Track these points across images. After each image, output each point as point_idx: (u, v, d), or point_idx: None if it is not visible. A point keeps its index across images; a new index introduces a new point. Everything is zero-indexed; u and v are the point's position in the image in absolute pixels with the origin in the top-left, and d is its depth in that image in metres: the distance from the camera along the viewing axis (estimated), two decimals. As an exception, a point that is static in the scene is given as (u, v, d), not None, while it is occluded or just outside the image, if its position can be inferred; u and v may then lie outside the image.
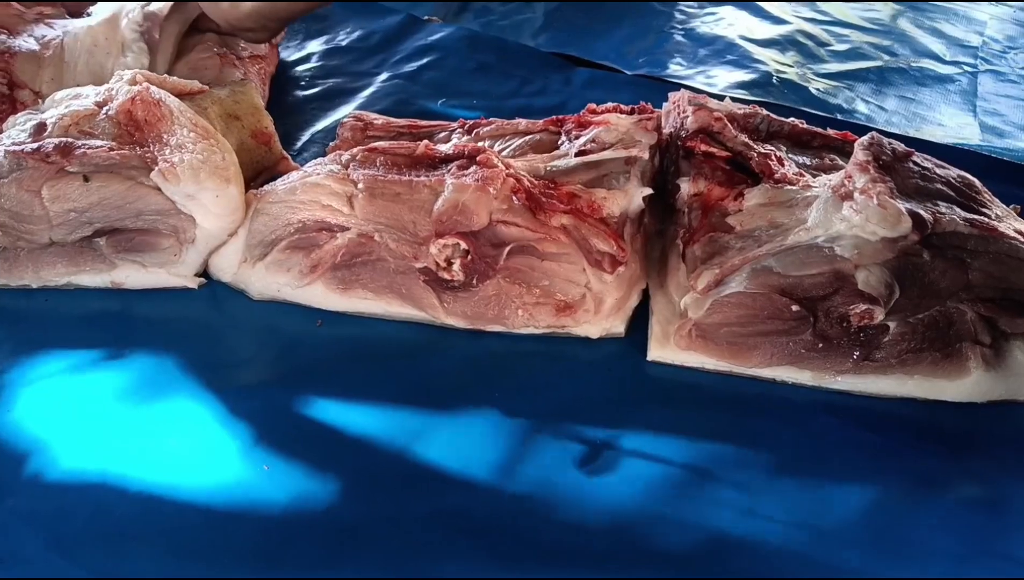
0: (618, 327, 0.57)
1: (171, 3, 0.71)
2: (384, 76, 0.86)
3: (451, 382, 0.54)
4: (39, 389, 0.52)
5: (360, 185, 0.55)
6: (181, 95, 0.64)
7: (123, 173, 0.56)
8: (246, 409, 0.51)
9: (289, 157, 0.69)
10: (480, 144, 0.63)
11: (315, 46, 0.91)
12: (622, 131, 0.59)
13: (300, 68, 0.87)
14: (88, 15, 0.74)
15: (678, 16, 1.02)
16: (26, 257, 0.58)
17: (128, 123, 0.57)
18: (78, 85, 0.63)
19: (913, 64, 0.89)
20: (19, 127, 0.58)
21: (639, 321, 0.58)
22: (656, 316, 0.57)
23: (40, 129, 0.57)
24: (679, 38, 0.96)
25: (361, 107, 0.80)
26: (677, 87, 0.83)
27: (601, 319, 0.56)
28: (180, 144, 0.56)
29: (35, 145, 0.55)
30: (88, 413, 0.50)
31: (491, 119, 0.66)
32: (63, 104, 0.59)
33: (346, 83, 0.84)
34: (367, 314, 0.58)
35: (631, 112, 0.62)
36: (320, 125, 0.78)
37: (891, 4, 1.03)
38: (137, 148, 0.56)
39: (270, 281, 0.58)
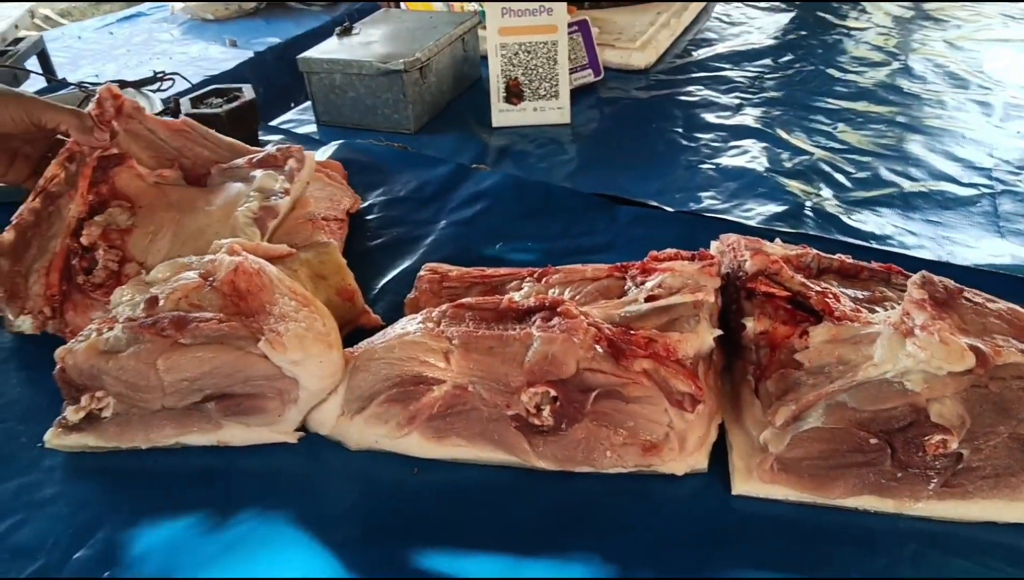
0: (701, 463, 0.60)
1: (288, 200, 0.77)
2: (442, 223, 0.92)
3: (544, 524, 0.57)
4: (150, 546, 0.55)
5: (455, 341, 0.59)
6: (272, 259, 0.70)
7: (232, 343, 0.60)
8: (349, 560, 0.54)
9: (370, 310, 0.74)
10: (552, 291, 0.68)
11: (375, 197, 0.97)
12: (687, 276, 0.64)
13: (365, 219, 0.93)
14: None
15: (704, 151, 1.10)
16: (137, 421, 0.62)
17: (232, 294, 0.61)
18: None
19: (933, 188, 0.95)
20: (127, 301, 0.63)
21: (718, 453, 0.61)
22: (736, 450, 0.60)
23: (152, 303, 0.61)
24: (709, 172, 1.03)
25: (425, 255, 0.86)
26: (717, 222, 0.89)
27: (685, 456, 0.59)
28: (283, 313, 0.61)
29: (151, 320, 0.60)
30: (197, 570, 0.53)
31: (558, 267, 0.72)
32: (170, 278, 0.64)
33: (409, 232, 0.90)
34: (461, 460, 0.61)
35: (692, 258, 0.67)
36: (391, 275, 0.83)
37: (898, 129, 1.10)
38: (243, 318, 0.60)
39: (368, 433, 0.62)
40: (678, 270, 0.65)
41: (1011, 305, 0.59)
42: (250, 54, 2.20)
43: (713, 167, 1.05)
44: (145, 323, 0.60)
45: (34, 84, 1.54)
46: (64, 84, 1.33)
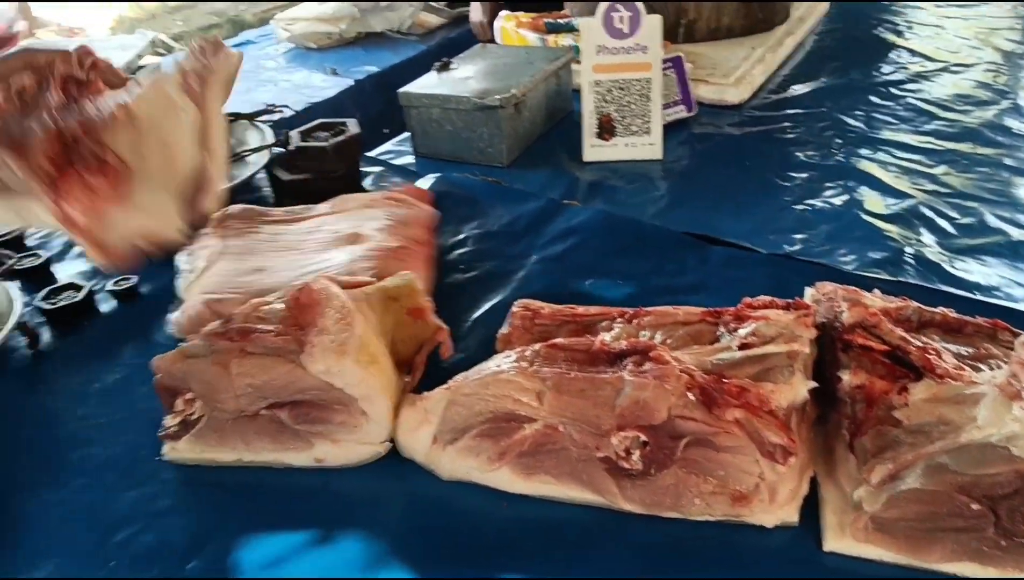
0: (792, 516, 0.59)
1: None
2: (534, 258, 0.94)
3: (630, 566, 0.57)
4: (257, 561, 0.58)
5: (548, 382, 0.61)
6: (353, 286, 0.73)
7: (285, 355, 0.64)
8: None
9: (446, 328, 0.76)
10: (643, 334, 0.69)
11: (469, 230, 1.00)
12: (782, 326, 0.64)
13: (458, 252, 0.96)
14: None
15: (798, 191, 1.08)
16: (232, 430, 0.66)
17: (294, 307, 0.66)
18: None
19: (1045, 236, 0.92)
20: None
21: (809, 507, 0.60)
22: (828, 505, 0.59)
23: (230, 317, 0.67)
24: (803, 213, 1.02)
25: (516, 290, 0.88)
26: (812, 266, 0.88)
27: (776, 508, 0.59)
28: (323, 327, 0.64)
29: (223, 329, 0.66)
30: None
31: (649, 309, 0.72)
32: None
33: (501, 266, 0.93)
34: (549, 497, 0.62)
35: (787, 307, 0.66)
36: (483, 308, 0.86)
37: (1006, 173, 1.07)
38: (296, 332, 0.64)
39: (460, 464, 0.64)
40: (772, 319, 0.65)
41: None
42: (350, 82, 2.30)
43: (807, 208, 1.04)
44: (218, 331, 0.65)
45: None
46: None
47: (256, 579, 0.57)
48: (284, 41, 2.65)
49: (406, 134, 1.34)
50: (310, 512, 0.62)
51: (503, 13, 1.71)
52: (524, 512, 0.62)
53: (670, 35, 1.62)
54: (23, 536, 0.61)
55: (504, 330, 0.75)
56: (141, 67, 1.89)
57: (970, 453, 0.54)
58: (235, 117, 1.21)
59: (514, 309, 0.75)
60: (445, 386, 0.66)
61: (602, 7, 1.16)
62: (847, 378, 0.61)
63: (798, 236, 0.97)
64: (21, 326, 0.78)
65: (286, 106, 1.27)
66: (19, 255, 0.91)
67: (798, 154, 1.20)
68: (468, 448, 0.63)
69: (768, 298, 0.68)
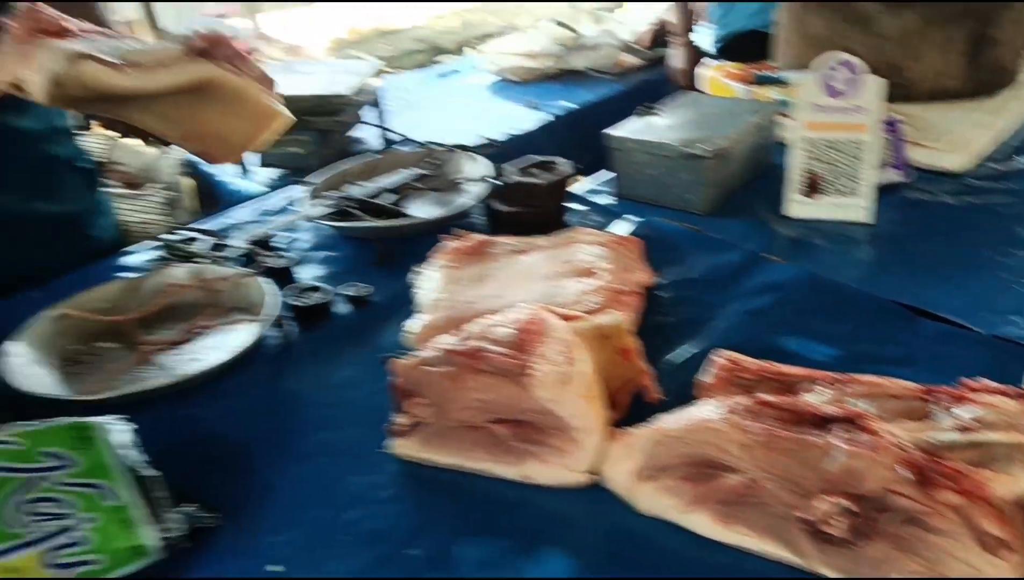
0: (1003, 613, 0.57)
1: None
2: (733, 309, 0.96)
3: (822, 631, 0.58)
4: (467, 558, 0.64)
5: (756, 436, 0.63)
6: (569, 319, 0.79)
7: (511, 377, 0.70)
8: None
9: (648, 371, 0.79)
10: (851, 402, 0.69)
11: (669, 275, 1.04)
12: (1008, 414, 0.62)
13: (658, 294, 1.00)
14: None
15: (1019, 270, 1.03)
16: (453, 437, 0.73)
17: (520, 333, 0.72)
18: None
19: None
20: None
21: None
22: (1046, 610, 0.57)
23: (463, 335, 0.74)
24: (1027, 295, 0.97)
25: (715, 339, 0.90)
26: (1035, 353, 0.84)
27: (986, 601, 0.57)
28: (549, 357, 0.70)
29: (458, 347, 0.72)
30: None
31: (857, 376, 0.72)
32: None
33: (699, 313, 0.95)
34: (743, 548, 0.64)
35: (1016, 396, 0.64)
36: (678, 354, 0.88)
37: None
38: (523, 356, 0.70)
39: (658, 502, 0.67)
40: (998, 406, 0.63)
41: None
42: (549, 117, 2.40)
43: (1039, 290, 0.98)
44: (456, 349, 0.72)
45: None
46: (406, 140, 1.56)
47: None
48: (489, 72, 2.82)
49: (604, 173, 1.39)
50: (515, 522, 0.68)
51: (711, 62, 1.73)
52: (717, 558, 0.64)
53: (887, 96, 1.58)
54: (268, 505, 0.71)
55: (705, 378, 0.77)
56: (367, 90, 2.07)
57: None
58: (458, 148, 1.31)
59: (717, 359, 0.78)
60: (651, 425, 0.69)
61: (821, 64, 1.16)
62: (1078, 478, 0.59)
63: (1019, 318, 0.92)
64: (277, 320, 0.90)
65: (501, 143, 1.35)
66: (272, 254, 1.05)
67: (1021, 231, 1.14)
68: (668, 488, 0.66)
69: (991, 383, 0.67)
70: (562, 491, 0.70)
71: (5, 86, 0.81)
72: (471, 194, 1.20)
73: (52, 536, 0.55)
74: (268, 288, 0.94)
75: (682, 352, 0.89)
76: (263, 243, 1.09)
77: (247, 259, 1.04)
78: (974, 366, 0.81)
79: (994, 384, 0.66)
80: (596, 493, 0.70)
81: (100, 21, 1.00)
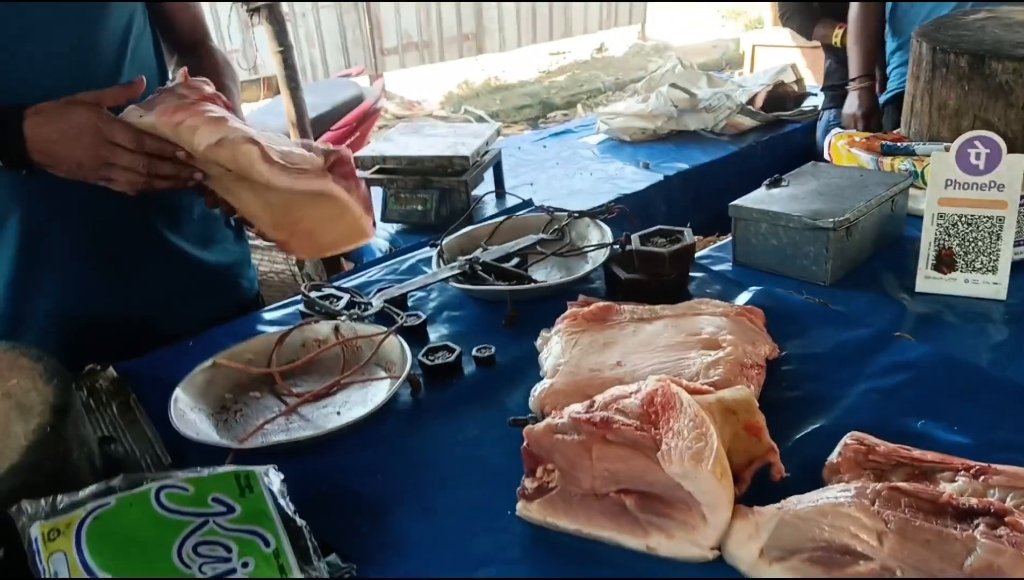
0: None
1: None
2: (861, 388, 0.94)
3: None
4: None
5: (891, 525, 0.62)
6: (695, 392, 0.80)
7: (642, 449, 0.71)
8: None
9: (776, 449, 0.79)
10: (992, 493, 0.67)
11: (792, 348, 1.03)
12: None
13: (782, 369, 0.99)
14: None
15: None
16: (578, 504, 0.75)
17: (649, 406, 0.74)
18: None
19: None
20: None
21: None
22: None
23: (591, 404, 0.77)
24: None
25: (842, 418, 0.89)
26: None
27: None
28: (679, 431, 0.71)
29: (587, 416, 0.74)
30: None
31: (999, 467, 0.70)
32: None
33: (825, 390, 0.94)
34: (874, 639, 0.63)
35: None
36: (805, 429, 0.88)
37: None
38: (652, 429, 0.72)
39: (784, 583, 0.67)
40: None
41: None
42: (660, 177, 2.43)
43: None
44: (584, 418, 0.74)
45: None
46: (527, 204, 1.62)
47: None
48: (601, 133, 2.88)
49: (724, 240, 1.40)
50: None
51: (835, 131, 1.72)
52: (846, 646, 0.63)
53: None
54: (400, 559, 0.75)
55: (834, 459, 0.77)
56: (487, 152, 2.16)
57: None
58: (580, 214, 1.36)
59: (847, 440, 0.77)
60: (777, 505, 0.69)
61: (959, 141, 1.15)
62: None
63: None
64: (409, 377, 0.95)
65: (624, 208, 1.39)
66: (405, 314, 1.11)
67: None
68: (796, 569, 0.66)
69: None
70: (685, 565, 0.71)
71: (169, 127, 0.93)
72: (593, 260, 1.23)
73: (217, 578, 0.61)
74: (403, 346, 0.99)
75: (807, 430, 0.88)
76: (399, 302, 1.16)
77: (383, 317, 1.11)
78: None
79: None
80: (720, 570, 0.70)
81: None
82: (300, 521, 0.66)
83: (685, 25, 10.04)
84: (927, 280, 1.20)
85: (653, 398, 0.75)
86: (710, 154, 2.60)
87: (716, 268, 1.34)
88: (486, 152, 2.16)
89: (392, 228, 2.12)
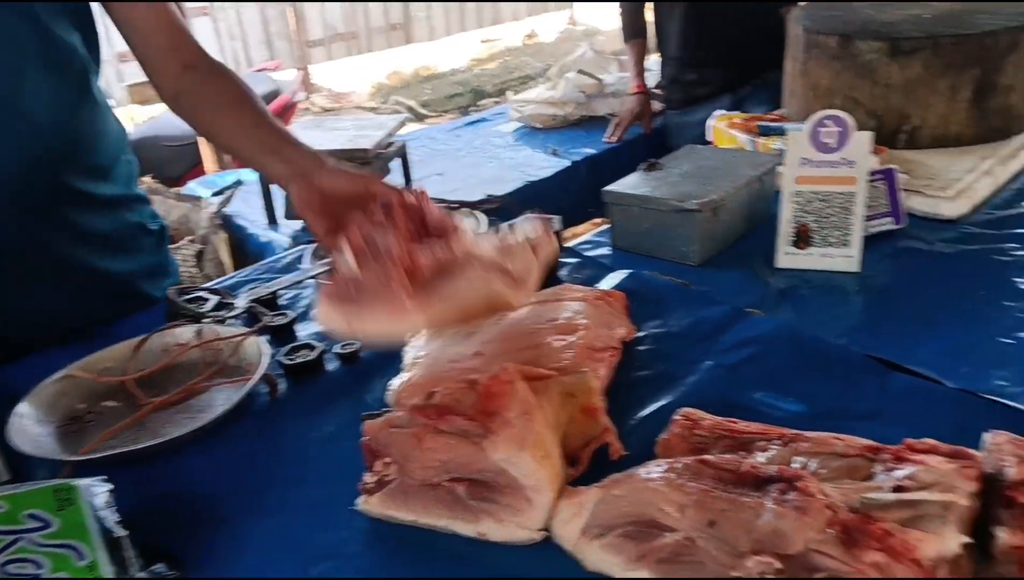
0: (929, 673, 0.58)
1: None
2: (708, 365, 0.98)
3: None
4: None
5: (692, 497, 0.65)
6: (537, 378, 0.82)
7: (471, 437, 0.73)
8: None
9: (614, 430, 0.82)
10: (798, 460, 0.71)
11: (650, 329, 1.06)
12: (941, 474, 0.64)
13: (638, 349, 1.02)
14: None
15: (1008, 321, 1.03)
16: (415, 496, 0.76)
17: (484, 395, 0.75)
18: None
19: None
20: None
21: (953, 669, 0.58)
22: (972, 670, 0.57)
23: (431, 395, 0.78)
24: (1009, 348, 0.97)
25: (686, 395, 0.92)
26: (1005, 408, 0.84)
27: (911, 662, 0.58)
28: (508, 419, 0.73)
29: (423, 406, 0.76)
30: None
31: (808, 434, 0.74)
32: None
33: (675, 369, 0.97)
34: (683, 606, 0.66)
35: (951, 455, 0.65)
36: (648, 409, 0.91)
37: None
38: (483, 418, 0.73)
39: (603, 559, 0.69)
40: (932, 465, 0.64)
41: None
42: (567, 163, 2.46)
43: (1015, 342, 0.98)
44: (419, 407, 0.76)
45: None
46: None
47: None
48: (514, 120, 2.90)
49: (604, 224, 1.43)
50: (470, 576, 0.71)
51: (716, 113, 1.76)
52: (658, 614, 0.66)
53: (890, 141, 1.59)
54: (234, 561, 0.75)
55: (664, 436, 0.80)
56: (390, 144, 2.15)
57: None
58: (460, 205, 1.37)
59: (676, 417, 0.80)
60: (599, 484, 0.72)
61: (811, 120, 1.19)
62: (1003, 536, 0.60)
63: (998, 373, 0.92)
64: (266, 376, 0.95)
65: (504, 197, 1.40)
66: (272, 313, 1.11)
67: (1016, 281, 1.13)
68: (612, 545, 0.69)
69: (933, 442, 0.68)
70: (516, 548, 0.73)
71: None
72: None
73: (21, 594, 0.60)
74: (264, 347, 0.99)
75: (653, 407, 0.91)
76: (267, 301, 1.16)
77: (250, 317, 1.10)
78: (940, 422, 0.82)
79: (933, 443, 0.67)
80: (548, 550, 0.72)
81: None
82: (121, 532, 0.66)
83: (614, 9, 10.12)
84: (787, 256, 1.24)
85: (489, 387, 0.77)
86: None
87: (593, 253, 1.37)
88: (390, 144, 2.14)
89: (297, 225, 2.10)
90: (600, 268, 1.26)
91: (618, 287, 1.16)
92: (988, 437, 0.70)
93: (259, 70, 5.03)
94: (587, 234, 1.47)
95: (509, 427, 0.73)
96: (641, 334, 1.06)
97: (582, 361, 0.93)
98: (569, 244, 1.42)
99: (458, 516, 0.75)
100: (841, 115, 1.18)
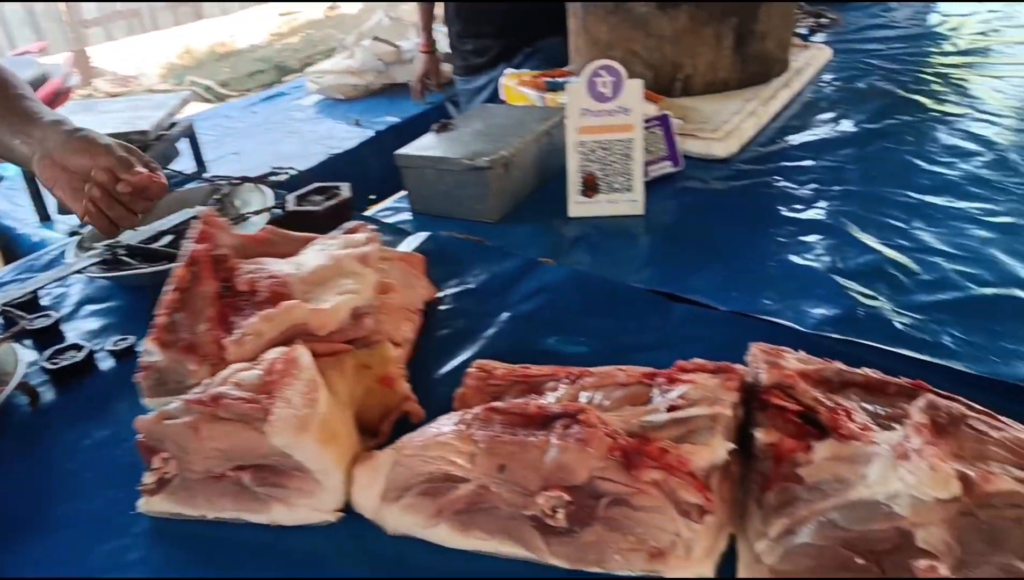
0: (706, 571, 0.62)
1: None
2: (504, 316, 0.99)
3: (556, 619, 0.61)
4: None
5: (480, 445, 0.65)
6: (329, 353, 0.79)
7: (251, 422, 0.69)
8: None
9: (414, 397, 0.81)
10: (585, 394, 0.73)
11: (449, 289, 1.06)
12: (707, 389, 0.68)
13: (438, 309, 1.02)
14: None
15: (771, 246, 1.12)
16: (200, 490, 0.72)
17: (269, 375, 0.71)
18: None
19: (1003, 294, 0.93)
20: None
21: (729, 563, 0.63)
22: (741, 559, 0.62)
23: (209, 382, 0.73)
24: (772, 270, 1.05)
25: (485, 347, 0.93)
26: (770, 325, 0.91)
27: (692, 564, 0.62)
28: (288, 398, 0.69)
29: (196, 395, 0.71)
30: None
31: (593, 369, 0.77)
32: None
33: (473, 324, 0.98)
34: (484, 552, 0.67)
35: (715, 370, 0.70)
36: (449, 366, 0.91)
37: (977, 227, 1.08)
38: (265, 399, 0.69)
39: (403, 521, 0.69)
40: (699, 383, 0.69)
41: (1019, 434, 0.59)
42: (371, 133, 2.40)
43: (777, 264, 1.07)
44: (192, 397, 0.70)
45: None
46: (198, 177, 1.52)
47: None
48: (314, 92, 2.79)
49: (403, 191, 1.41)
50: (262, 567, 0.67)
51: (507, 71, 1.78)
52: (459, 566, 0.66)
53: (666, 90, 1.68)
54: (12, 582, 0.68)
55: (460, 390, 0.80)
56: (174, 124, 1.99)
57: (857, 510, 0.57)
58: (242, 180, 1.29)
59: (470, 369, 0.80)
60: (392, 446, 0.71)
61: (586, 71, 1.22)
62: (760, 436, 0.65)
63: (764, 295, 1.00)
64: (23, 386, 0.86)
65: (291, 168, 1.34)
66: (32, 316, 1.00)
67: (778, 209, 1.24)
68: (410, 505, 0.68)
69: (700, 361, 0.72)
70: (314, 529, 0.70)
71: None
72: (255, 226, 1.18)
73: None
74: (20, 354, 0.89)
75: (453, 365, 0.91)
76: (27, 303, 1.04)
77: (7, 322, 0.99)
78: (716, 343, 0.88)
79: (700, 362, 0.72)
80: (349, 525, 0.70)
81: None
82: None
83: (415, -23, 9.98)
84: (577, 205, 1.28)
85: (273, 366, 0.73)
86: (420, 105, 2.61)
87: (393, 219, 1.35)
88: (173, 124, 1.99)
89: (73, 219, 1.90)
90: (400, 234, 1.24)
91: (418, 250, 1.15)
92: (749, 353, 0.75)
93: (20, 53, 4.50)
94: (387, 201, 1.44)
95: (289, 409, 0.69)
96: (441, 294, 1.05)
97: (399, 322, 0.91)
98: (369, 213, 1.39)
99: (246, 506, 0.71)
100: (614, 65, 1.22)
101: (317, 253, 0.91)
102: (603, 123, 1.25)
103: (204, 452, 0.70)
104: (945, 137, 1.41)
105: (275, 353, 0.75)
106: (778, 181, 1.33)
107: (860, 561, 0.56)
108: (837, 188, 1.27)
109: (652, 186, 1.31)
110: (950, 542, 0.54)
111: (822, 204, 1.22)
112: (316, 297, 0.85)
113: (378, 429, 0.79)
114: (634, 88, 1.23)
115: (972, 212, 1.14)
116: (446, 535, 0.67)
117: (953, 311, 0.91)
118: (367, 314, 0.83)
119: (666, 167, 1.37)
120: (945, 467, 0.54)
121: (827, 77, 1.82)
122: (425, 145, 1.35)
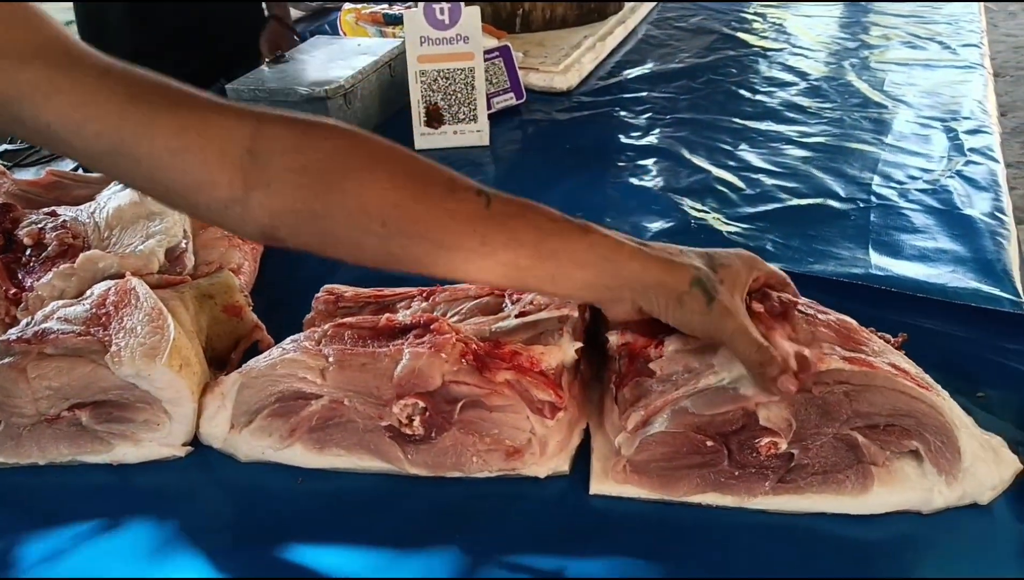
0: (563, 466, 0.64)
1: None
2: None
3: (417, 526, 0.61)
4: (37, 557, 0.58)
5: (331, 358, 0.64)
6: (167, 285, 0.75)
7: (87, 356, 0.64)
8: (232, 567, 0.58)
9: (262, 326, 0.78)
10: (438, 309, 0.73)
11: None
12: (555, 294, 0.69)
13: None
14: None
15: (612, 170, 1.16)
16: (28, 435, 0.66)
17: (100, 307, 0.67)
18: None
19: (816, 203, 1.02)
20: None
21: (584, 459, 0.65)
22: (596, 454, 0.65)
23: (29, 321, 0.67)
24: (612, 192, 1.09)
25: (336, 275, 0.90)
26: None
27: (547, 460, 0.64)
28: (131, 328, 0.65)
29: (17, 334, 0.65)
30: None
31: (445, 286, 0.76)
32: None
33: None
34: (342, 469, 0.65)
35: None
36: (301, 295, 0.87)
37: (794, 147, 1.17)
38: (101, 332, 0.65)
39: (255, 445, 0.66)
40: (548, 289, 0.70)
41: (841, 316, 0.65)
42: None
43: (617, 186, 1.11)
44: (13, 337, 0.65)
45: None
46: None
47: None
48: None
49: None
50: (102, 508, 0.63)
51: (346, 6, 1.71)
52: (318, 486, 0.65)
53: (507, 25, 1.67)
54: None
55: (309, 316, 0.77)
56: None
57: (706, 396, 0.60)
58: None
59: (318, 294, 0.78)
60: (239, 370, 0.67)
61: (423, -1, 1.20)
62: (614, 338, 0.67)
63: (606, 213, 1.03)
64: None
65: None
66: None
67: (617, 137, 1.28)
68: (261, 428, 0.66)
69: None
70: (162, 465, 0.66)
71: None
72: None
73: None
74: None
75: (302, 294, 0.88)
76: None
77: None
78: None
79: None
80: (199, 457, 0.67)
81: None
82: None
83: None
84: (423, 137, 1.26)
85: (105, 299, 0.68)
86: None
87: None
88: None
89: None
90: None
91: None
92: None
93: None
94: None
95: (134, 338, 0.64)
96: (282, 227, 1.01)
97: (226, 252, 0.86)
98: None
99: (86, 447, 0.66)
100: (451, -10, 1.20)
101: (116, 193, 0.85)
102: (443, 52, 1.23)
103: (34, 393, 0.64)
104: (765, 69, 1.51)
105: (102, 287, 0.70)
106: (617, 111, 1.37)
107: (710, 443, 0.60)
108: (670, 116, 1.33)
109: (496, 119, 1.31)
110: (789, 418, 0.59)
111: (657, 131, 1.27)
112: (120, 243, 0.79)
113: (227, 360, 0.75)
114: (472, 15, 1.22)
115: (790, 134, 1.22)
116: (302, 455, 0.65)
117: (773, 220, 0.98)
118: (184, 252, 0.79)
119: (509, 99, 1.38)
120: (784, 347, 0.58)
121: (659, 17, 1.88)
122: (258, 77, 1.28)
